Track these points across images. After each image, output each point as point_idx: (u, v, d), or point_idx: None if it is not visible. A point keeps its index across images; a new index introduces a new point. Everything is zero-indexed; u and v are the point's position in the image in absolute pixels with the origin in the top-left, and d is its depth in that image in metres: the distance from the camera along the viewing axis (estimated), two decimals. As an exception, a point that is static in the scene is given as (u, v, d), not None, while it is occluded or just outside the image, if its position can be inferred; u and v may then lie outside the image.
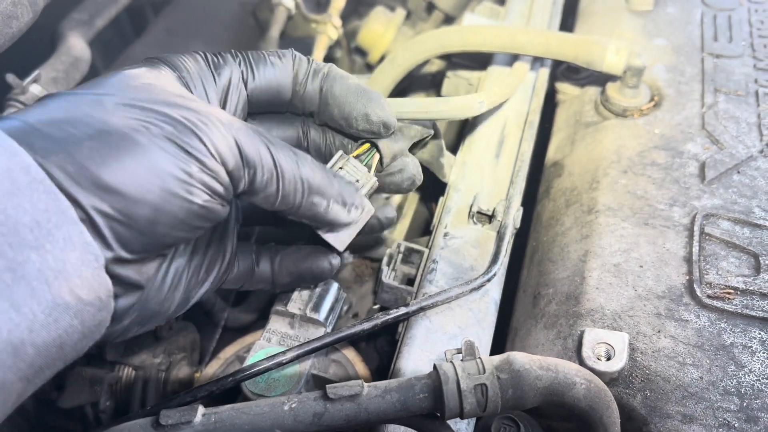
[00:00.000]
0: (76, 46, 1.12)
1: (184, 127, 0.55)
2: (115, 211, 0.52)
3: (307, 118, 0.76)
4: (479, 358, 0.61)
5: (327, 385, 0.59)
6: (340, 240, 0.75)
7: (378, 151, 0.75)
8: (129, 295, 0.59)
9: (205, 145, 0.56)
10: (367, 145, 0.76)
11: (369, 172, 0.75)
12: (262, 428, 0.57)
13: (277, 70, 0.69)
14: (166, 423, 0.57)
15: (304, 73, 0.71)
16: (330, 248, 0.77)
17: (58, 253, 0.48)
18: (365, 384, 0.60)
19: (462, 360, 0.61)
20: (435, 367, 0.61)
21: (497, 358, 0.61)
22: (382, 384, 0.60)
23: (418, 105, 0.79)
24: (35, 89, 1.02)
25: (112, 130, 0.53)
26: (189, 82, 0.63)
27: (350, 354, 0.90)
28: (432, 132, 0.85)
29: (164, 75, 0.61)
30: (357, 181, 0.73)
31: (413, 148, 0.82)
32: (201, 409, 0.58)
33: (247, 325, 1.18)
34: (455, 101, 0.83)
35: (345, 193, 0.69)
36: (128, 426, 0.58)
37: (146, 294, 0.61)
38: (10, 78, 1.02)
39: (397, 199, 1.24)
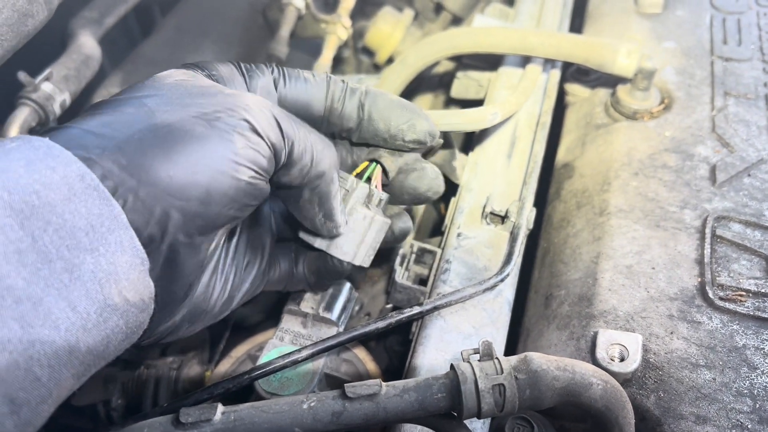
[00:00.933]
0: (87, 44, 1.12)
1: (224, 109, 0.58)
2: (170, 196, 0.54)
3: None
4: (497, 358, 0.61)
5: (345, 384, 0.59)
6: (343, 252, 0.77)
7: (381, 165, 0.76)
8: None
9: (247, 121, 0.58)
10: (366, 162, 0.77)
11: (370, 184, 0.76)
12: (282, 427, 0.58)
13: (309, 86, 0.71)
14: (186, 421, 0.57)
15: (341, 91, 0.72)
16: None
17: (110, 257, 0.50)
18: (383, 383, 0.60)
19: (479, 360, 0.61)
20: (452, 366, 0.61)
21: (515, 358, 0.61)
22: (400, 383, 0.60)
23: (432, 117, 0.80)
24: (47, 87, 1.02)
25: (158, 124, 0.56)
26: (219, 80, 0.65)
27: (361, 353, 0.90)
28: (441, 141, 0.85)
29: (194, 73, 0.64)
30: (347, 190, 0.75)
31: (425, 156, 0.83)
32: (220, 407, 0.58)
33: (256, 324, 1.18)
34: (469, 114, 0.84)
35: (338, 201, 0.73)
36: (148, 424, 0.58)
37: (193, 291, 0.63)
38: (22, 76, 1.02)
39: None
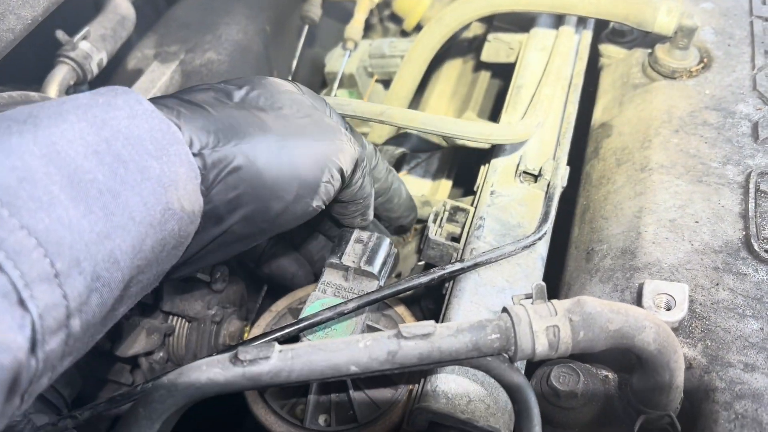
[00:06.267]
0: (122, 5, 1.12)
1: (328, 140, 0.72)
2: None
3: None
4: (550, 301, 0.61)
5: (400, 325, 0.60)
6: None
7: None
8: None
9: (340, 163, 0.72)
10: None
11: None
12: (338, 364, 0.58)
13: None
14: (245, 358, 0.58)
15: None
16: None
17: (171, 166, 0.57)
18: (437, 324, 0.60)
19: (532, 303, 0.62)
20: (505, 309, 0.61)
21: (568, 301, 0.61)
22: (453, 324, 0.61)
23: (481, 131, 0.90)
24: (85, 46, 1.02)
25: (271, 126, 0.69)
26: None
27: (401, 310, 0.90)
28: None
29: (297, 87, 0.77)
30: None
31: None
32: (277, 346, 0.59)
33: (291, 278, 1.18)
34: (517, 129, 0.93)
35: None
36: (206, 362, 0.59)
37: None
38: (60, 34, 1.02)
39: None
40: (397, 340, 0.59)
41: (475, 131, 0.89)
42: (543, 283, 0.62)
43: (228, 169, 0.64)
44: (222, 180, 0.64)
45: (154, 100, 0.64)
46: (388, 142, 1.16)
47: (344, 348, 0.59)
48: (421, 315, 1.05)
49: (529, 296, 0.63)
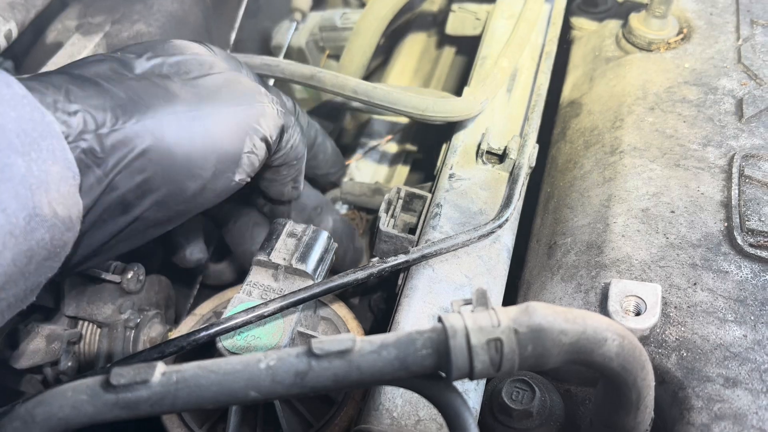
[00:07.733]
0: (38, -30, 1.00)
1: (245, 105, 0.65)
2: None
3: None
4: (493, 308, 0.51)
5: (312, 340, 0.50)
6: None
7: None
8: None
9: (260, 128, 0.66)
10: None
11: None
12: (234, 390, 0.48)
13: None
14: (118, 383, 0.47)
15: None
16: None
17: (41, 164, 0.49)
18: (358, 338, 0.50)
19: (472, 311, 0.52)
20: (440, 319, 0.51)
21: (514, 308, 0.51)
22: (377, 338, 0.50)
23: (415, 104, 0.81)
24: (-12, 15, 0.90)
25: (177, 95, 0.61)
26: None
27: (342, 311, 0.80)
28: None
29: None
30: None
31: None
32: (161, 367, 0.48)
33: (229, 284, 1.09)
34: (457, 104, 0.83)
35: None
36: (73, 386, 0.48)
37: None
38: (-40, 1, 0.90)
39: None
40: (307, 359, 0.49)
41: (407, 103, 0.81)
42: (484, 288, 0.52)
43: (132, 151, 0.57)
44: (126, 164, 0.56)
45: (37, 78, 0.57)
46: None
47: (241, 370, 0.48)
48: (370, 314, 0.95)
49: (469, 302, 0.53)
